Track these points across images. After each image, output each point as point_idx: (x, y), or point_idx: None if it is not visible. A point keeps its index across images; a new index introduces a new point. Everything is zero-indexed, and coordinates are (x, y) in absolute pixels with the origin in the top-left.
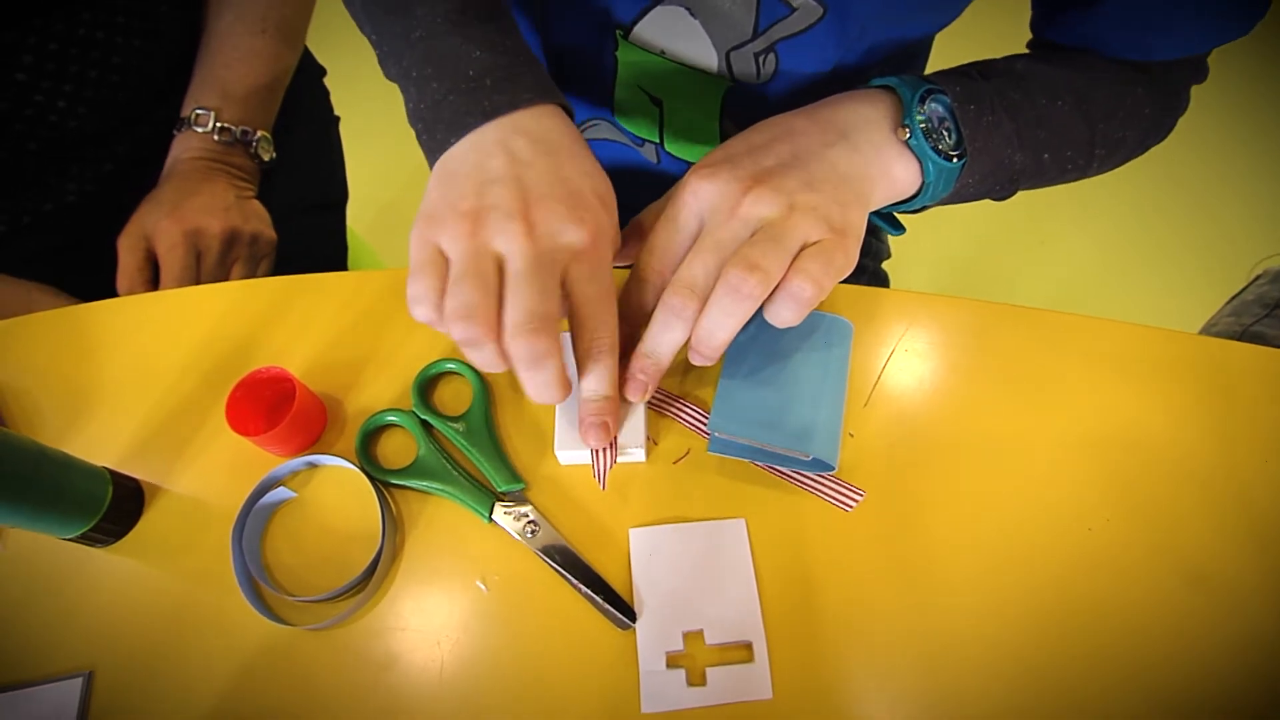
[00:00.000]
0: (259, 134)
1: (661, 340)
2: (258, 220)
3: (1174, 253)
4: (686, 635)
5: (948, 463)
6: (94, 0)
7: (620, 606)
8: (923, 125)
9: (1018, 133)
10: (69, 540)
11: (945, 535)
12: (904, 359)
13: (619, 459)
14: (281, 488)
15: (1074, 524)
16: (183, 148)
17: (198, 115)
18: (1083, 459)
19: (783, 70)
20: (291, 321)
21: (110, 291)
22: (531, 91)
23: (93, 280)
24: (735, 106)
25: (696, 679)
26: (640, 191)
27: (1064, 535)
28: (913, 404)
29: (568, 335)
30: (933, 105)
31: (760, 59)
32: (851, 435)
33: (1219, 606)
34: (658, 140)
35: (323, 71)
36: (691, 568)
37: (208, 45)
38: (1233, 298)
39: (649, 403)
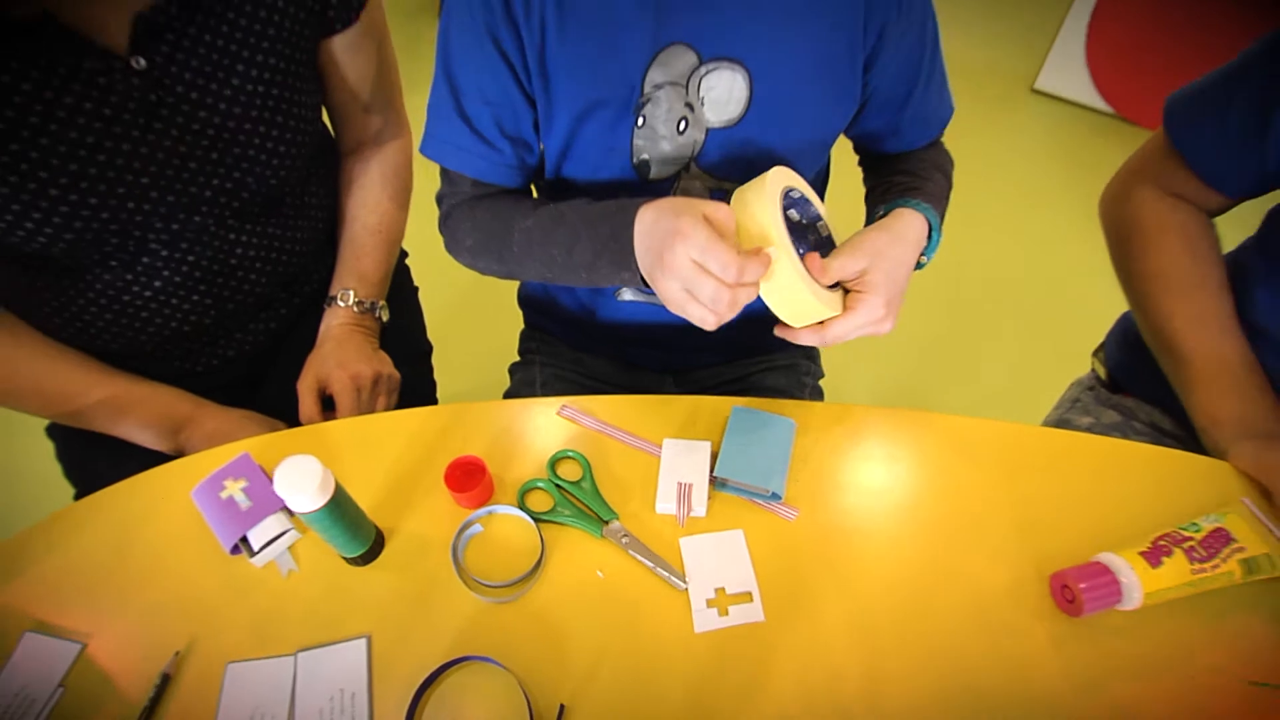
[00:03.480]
0: (380, 303)
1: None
2: (387, 365)
3: (1042, 363)
4: (716, 589)
5: (855, 499)
6: (278, 212)
7: (678, 576)
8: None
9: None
10: (345, 559)
11: (853, 533)
12: (828, 443)
13: (691, 514)
14: (475, 524)
15: (925, 537)
16: (333, 317)
17: (343, 294)
18: (934, 505)
19: None
20: (456, 436)
21: (271, 413)
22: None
23: (255, 404)
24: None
25: (723, 612)
26: None
27: (916, 544)
28: (833, 466)
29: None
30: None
31: None
32: (796, 481)
33: (989, 614)
34: None
35: (405, 254)
36: (716, 555)
37: (344, 244)
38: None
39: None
